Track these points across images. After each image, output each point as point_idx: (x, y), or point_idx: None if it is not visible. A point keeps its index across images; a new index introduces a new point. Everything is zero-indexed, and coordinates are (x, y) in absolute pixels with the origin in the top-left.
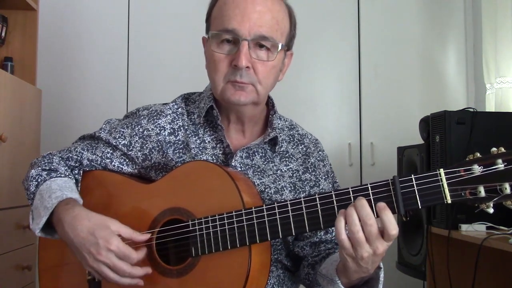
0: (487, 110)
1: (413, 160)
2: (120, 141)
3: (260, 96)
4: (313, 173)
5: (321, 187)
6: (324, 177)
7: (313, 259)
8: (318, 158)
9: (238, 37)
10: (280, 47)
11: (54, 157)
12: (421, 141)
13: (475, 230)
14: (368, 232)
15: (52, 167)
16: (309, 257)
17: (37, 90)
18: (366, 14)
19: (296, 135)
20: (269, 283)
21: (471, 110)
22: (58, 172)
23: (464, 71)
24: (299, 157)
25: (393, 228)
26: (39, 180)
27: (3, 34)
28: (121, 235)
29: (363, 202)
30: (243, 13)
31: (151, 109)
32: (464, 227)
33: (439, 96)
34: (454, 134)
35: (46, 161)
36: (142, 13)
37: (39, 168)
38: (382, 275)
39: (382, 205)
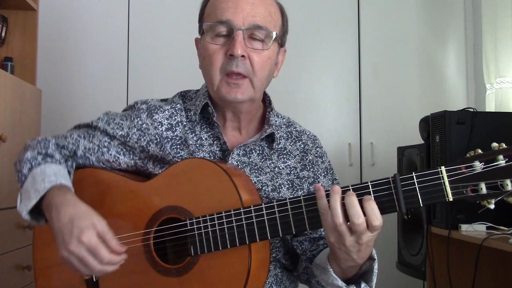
0: (487, 110)
1: (413, 160)
2: (117, 132)
3: (256, 90)
4: (312, 169)
5: (320, 184)
6: (323, 174)
7: (311, 253)
8: (316, 155)
9: (233, 27)
10: (274, 36)
11: (50, 143)
12: (421, 141)
13: (475, 230)
14: (355, 229)
15: (48, 152)
16: (308, 252)
17: (37, 90)
18: (366, 14)
19: (294, 131)
20: (267, 282)
21: (471, 110)
22: (54, 158)
23: (464, 71)
24: (297, 154)
25: (376, 219)
26: (33, 163)
27: (3, 34)
28: (97, 231)
29: (352, 200)
30: (236, 5)
31: (149, 104)
32: (464, 227)
33: (439, 96)
34: (454, 134)
35: (42, 145)
36: (142, 12)
37: (35, 151)
38: (376, 266)
39: (367, 196)
